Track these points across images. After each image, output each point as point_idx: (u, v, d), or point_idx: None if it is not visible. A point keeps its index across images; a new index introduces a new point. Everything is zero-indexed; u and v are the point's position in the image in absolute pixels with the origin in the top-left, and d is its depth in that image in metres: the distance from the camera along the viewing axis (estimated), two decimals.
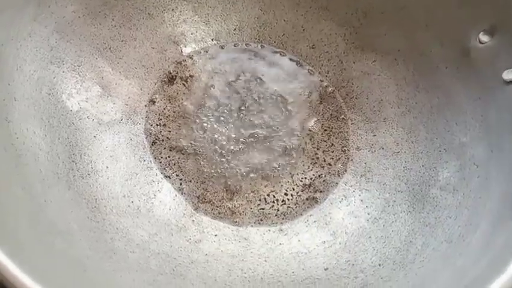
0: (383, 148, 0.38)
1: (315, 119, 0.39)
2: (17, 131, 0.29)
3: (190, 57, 0.40)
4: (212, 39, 0.41)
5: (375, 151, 0.38)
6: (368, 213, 0.35)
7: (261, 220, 0.35)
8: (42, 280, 0.21)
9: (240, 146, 0.37)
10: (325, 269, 0.32)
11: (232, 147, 0.37)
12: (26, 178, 0.28)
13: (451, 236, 0.30)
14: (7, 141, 0.28)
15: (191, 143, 0.37)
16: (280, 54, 0.41)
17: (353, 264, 0.32)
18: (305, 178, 0.37)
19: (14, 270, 0.21)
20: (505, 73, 0.32)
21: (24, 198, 0.27)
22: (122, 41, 0.38)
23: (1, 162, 0.27)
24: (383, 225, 0.34)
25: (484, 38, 0.34)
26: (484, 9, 0.33)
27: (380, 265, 0.31)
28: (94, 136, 0.35)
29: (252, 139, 0.38)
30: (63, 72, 0.34)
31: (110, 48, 0.37)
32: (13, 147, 0.28)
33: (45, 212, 0.28)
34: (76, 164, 0.32)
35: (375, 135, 0.38)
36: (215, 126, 0.38)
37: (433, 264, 0.30)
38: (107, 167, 0.34)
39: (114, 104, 0.36)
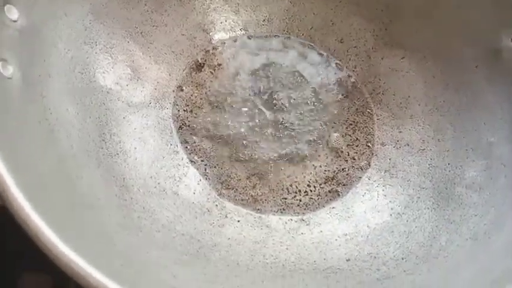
0: (408, 145, 0.38)
1: (341, 113, 0.39)
2: (51, 106, 0.30)
3: (219, 46, 0.40)
4: (241, 29, 0.41)
5: (400, 147, 0.38)
6: (392, 208, 0.35)
7: (283, 209, 0.35)
8: (77, 248, 0.22)
9: (264, 136, 0.38)
10: (347, 260, 0.32)
11: (256, 136, 0.37)
12: (59, 153, 0.29)
13: (476, 233, 0.30)
14: (42, 115, 0.29)
15: (216, 130, 0.37)
16: (308, 47, 0.41)
17: (375, 257, 0.32)
18: (328, 171, 0.37)
19: (50, 235, 0.21)
20: None
21: (57, 170, 0.27)
22: (153, 26, 0.38)
23: (36, 134, 0.27)
24: (407, 221, 0.34)
25: None
26: None
27: (403, 259, 0.31)
28: (123, 117, 0.35)
29: (276, 129, 0.38)
30: (95, 53, 0.35)
31: (141, 33, 0.38)
32: (47, 121, 0.29)
33: (76, 187, 0.28)
34: (105, 143, 0.33)
35: (400, 132, 0.38)
36: (240, 115, 0.38)
37: (457, 260, 0.29)
38: (135, 148, 0.34)
39: (143, 87, 0.37)
